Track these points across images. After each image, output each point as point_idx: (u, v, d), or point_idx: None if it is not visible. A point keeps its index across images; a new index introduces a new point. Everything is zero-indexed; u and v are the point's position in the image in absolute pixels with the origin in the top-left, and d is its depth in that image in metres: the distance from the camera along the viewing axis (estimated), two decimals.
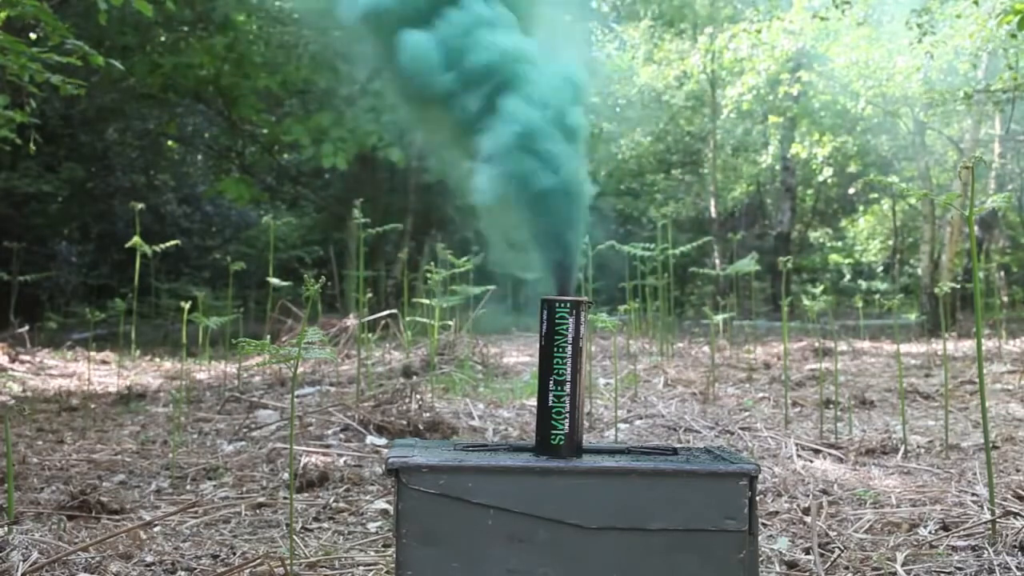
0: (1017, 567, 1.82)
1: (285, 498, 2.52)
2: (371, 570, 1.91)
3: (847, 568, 1.88)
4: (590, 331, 4.32)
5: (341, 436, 3.35)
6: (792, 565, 1.93)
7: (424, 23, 1.49)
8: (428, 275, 5.24)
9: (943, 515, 2.24)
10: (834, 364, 4.69)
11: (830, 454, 3.07)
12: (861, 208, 19.21)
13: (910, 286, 15.50)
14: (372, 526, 2.26)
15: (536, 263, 1.49)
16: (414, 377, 4.81)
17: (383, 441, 3.26)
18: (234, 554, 2.01)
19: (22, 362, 6.08)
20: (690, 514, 1.23)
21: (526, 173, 1.44)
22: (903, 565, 1.87)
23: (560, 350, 1.32)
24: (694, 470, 1.24)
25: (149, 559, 1.95)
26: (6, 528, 2.08)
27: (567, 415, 1.32)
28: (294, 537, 2.09)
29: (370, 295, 4.75)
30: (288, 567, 1.82)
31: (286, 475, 2.78)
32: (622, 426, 3.67)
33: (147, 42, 11.00)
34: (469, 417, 3.79)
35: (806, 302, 4.49)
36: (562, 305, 1.33)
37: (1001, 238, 14.07)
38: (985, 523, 2.07)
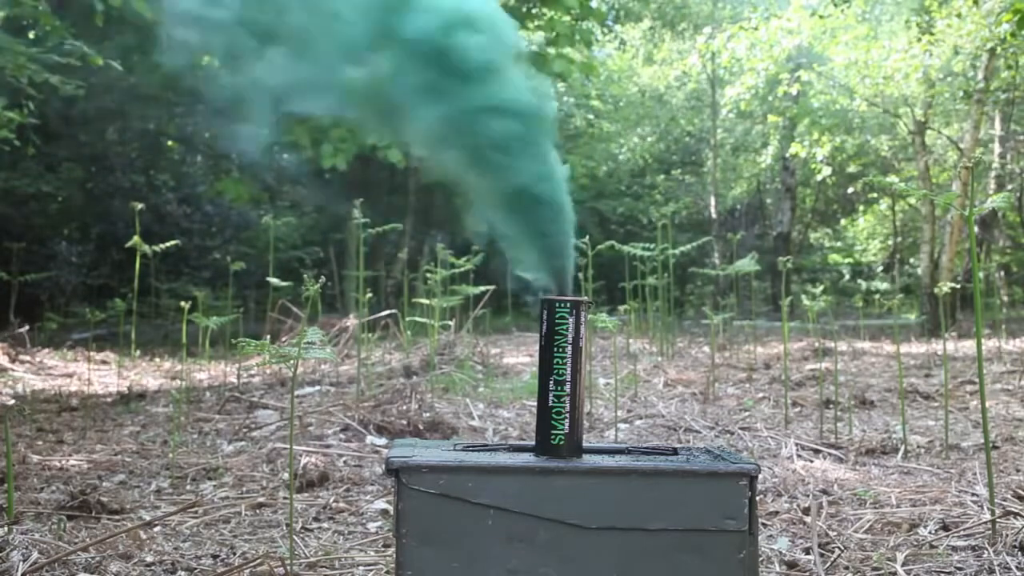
0: (1017, 567, 1.82)
1: (285, 498, 2.51)
2: (371, 570, 1.91)
3: (847, 568, 1.88)
4: (590, 331, 4.32)
5: (341, 436, 3.35)
6: (792, 565, 1.93)
7: None
8: (428, 275, 5.24)
9: (943, 515, 2.24)
10: (834, 364, 4.69)
11: (830, 454, 3.07)
12: (861, 208, 19.22)
13: (910, 286, 15.49)
14: (372, 526, 2.26)
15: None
16: (414, 377, 4.81)
17: (383, 441, 3.26)
18: (234, 554, 2.01)
19: (22, 362, 6.07)
20: (690, 514, 1.22)
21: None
22: (903, 565, 1.87)
23: (560, 350, 1.32)
24: (694, 470, 1.24)
25: (149, 559, 1.95)
26: (6, 528, 2.08)
27: (567, 415, 1.32)
28: (294, 537, 2.09)
29: (370, 295, 4.76)
30: (288, 567, 1.82)
31: (286, 475, 2.78)
32: (622, 426, 3.67)
33: (147, 42, 10.98)
34: (469, 417, 3.79)
35: (806, 302, 4.49)
36: (562, 305, 1.33)
37: (1001, 238, 14.06)
38: (985, 523, 2.07)
